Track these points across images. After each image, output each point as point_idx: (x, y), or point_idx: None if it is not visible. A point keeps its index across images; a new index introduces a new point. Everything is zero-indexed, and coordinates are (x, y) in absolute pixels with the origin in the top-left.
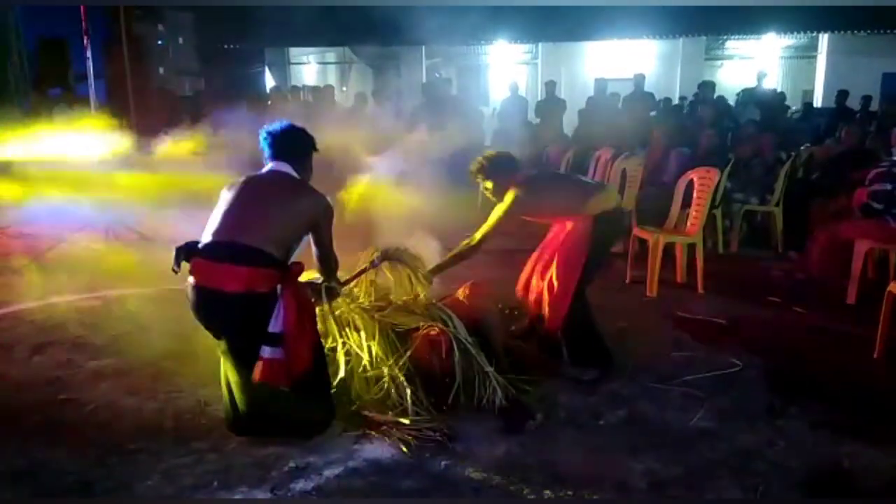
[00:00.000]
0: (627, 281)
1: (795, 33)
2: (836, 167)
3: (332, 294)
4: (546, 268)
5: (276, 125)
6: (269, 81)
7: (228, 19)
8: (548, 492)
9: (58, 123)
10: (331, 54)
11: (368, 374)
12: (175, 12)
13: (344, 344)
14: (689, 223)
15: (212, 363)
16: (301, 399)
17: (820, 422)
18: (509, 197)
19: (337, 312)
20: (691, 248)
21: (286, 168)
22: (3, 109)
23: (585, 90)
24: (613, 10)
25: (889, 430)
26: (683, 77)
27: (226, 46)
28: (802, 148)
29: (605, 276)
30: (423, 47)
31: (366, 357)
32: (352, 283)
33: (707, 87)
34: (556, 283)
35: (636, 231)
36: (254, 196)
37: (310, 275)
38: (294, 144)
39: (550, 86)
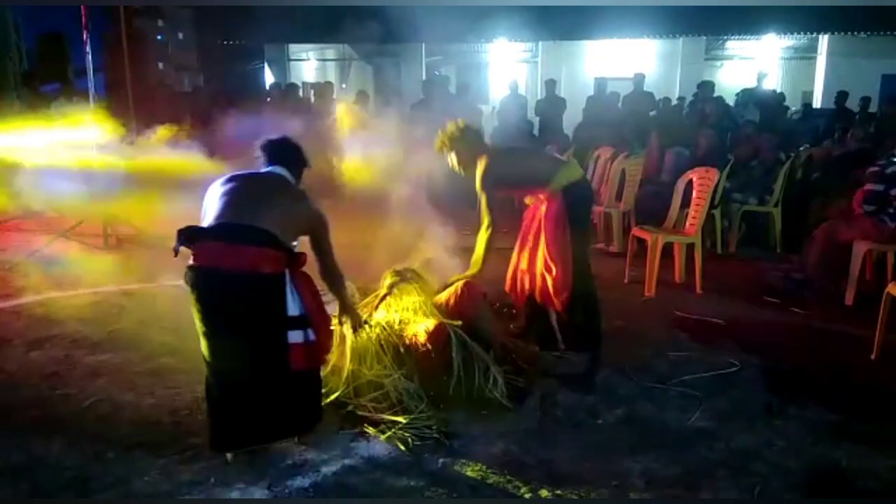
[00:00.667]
0: (626, 281)
1: (795, 34)
2: (836, 168)
3: (357, 320)
4: (533, 256)
5: (275, 136)
6: (269, 78)
7: (228, 15)
8: (545, 491)
9: (56, 118)
10: (330, 51)
11: (369, 376)
12: (175, 8)
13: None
14: (687, 223)
15: None
16: (294, 395)
17: (818, 422)
18: (480, 167)
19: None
20: (690, 248)
21: (284, 172)
22: (1, 104)
23: (585, 89)
24: (614, 10)
25: (887, 430)
26: (683, 77)
27: (225, 42)
28: (802, 149)
29: (604, 272)
30: (423, 45)
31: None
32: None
33: (707, 87)
34: (552, 265)
35: (635, 231)
36: (255, 185)
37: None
38: (291, 155)
39: (550, 84)
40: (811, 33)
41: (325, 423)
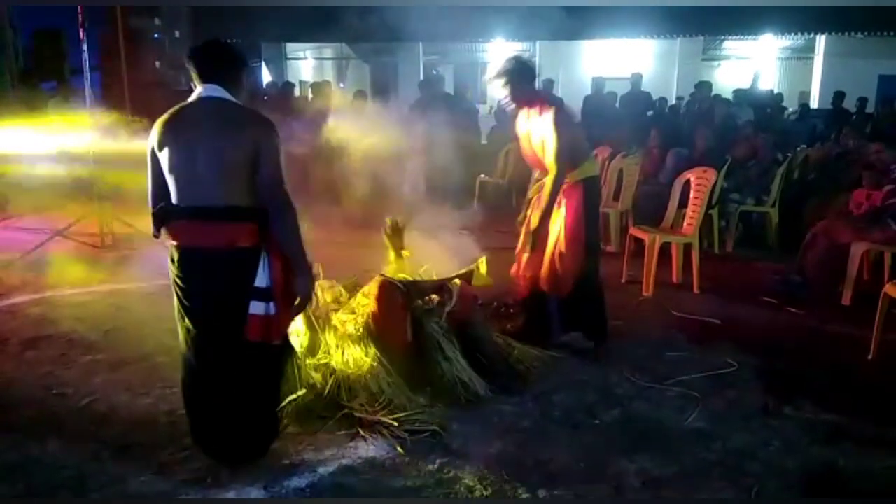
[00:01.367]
0: (623, 280)
1: (792, 34)
2: (833, 169)
3: (309, 287)
4: (543, 242)
5: (200, 43)
6: (266, 76)
7: (225, 14)
8: (542, 491)
9: (53, 116)
10: (328, 50)
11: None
12: (172, 6)
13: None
14: (685, 223)
15: None
16: (252, 376)
17: (815, 422)
18: (551, 114)
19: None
20: (687, 248)
21: (218, 92)
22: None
23: (583, 89)
24: (611, 10)
25: (884, 430)
26: (680, 77)
27: (222, 41)
28: (799, 149)
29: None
30: (421, 44)
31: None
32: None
33: (704, 87)
34: (566, 252)
35: (633, 230)
36: (197, 147)
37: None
38: (221, 62)
39: (548, 84)
40: (808, 34)
41: (322, 422)
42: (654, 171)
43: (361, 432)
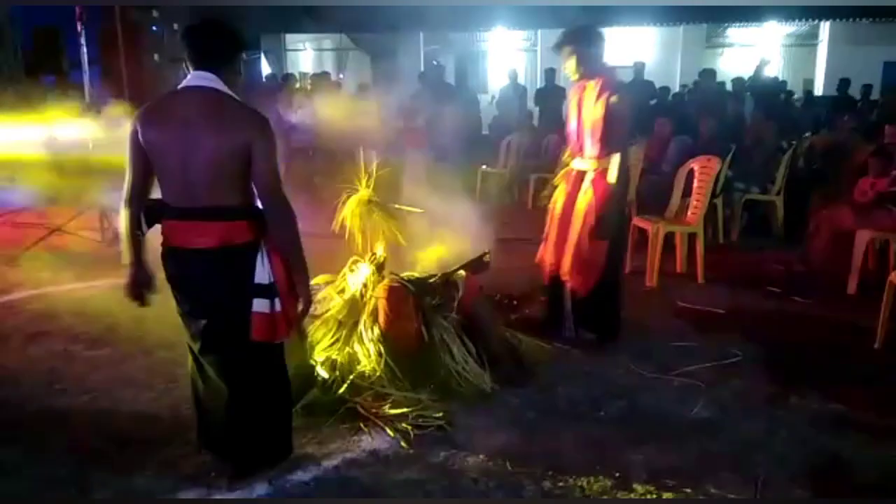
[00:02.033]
0: (627, 271)
1: (796, 21)
2: (838, 156)
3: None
4: (564, 231)
5: (197, 24)
6: (265, 68)
7: (224, 5)
8: (547, 482)
9: (51, 110)
10: (327, 41)
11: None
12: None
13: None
14: (689, 212)
15: None
16: (257, 376)
17: (820, 412)
18: (620, 100)
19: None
20: (691, 237)
21: (208, 81)
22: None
23: None
24: None
25: (890, 420)
26: (684, 65)
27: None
28: (804, 136)
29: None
30: (422, 34)
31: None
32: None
33: (708, 74)
34: (588, 241)
35: (636, 220)
36: (184, 144)
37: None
38: (216, 46)
39: (550, 73)
40: (812, 20)
41: (327, 417)
42: (658, 159)
43: (365, 427)
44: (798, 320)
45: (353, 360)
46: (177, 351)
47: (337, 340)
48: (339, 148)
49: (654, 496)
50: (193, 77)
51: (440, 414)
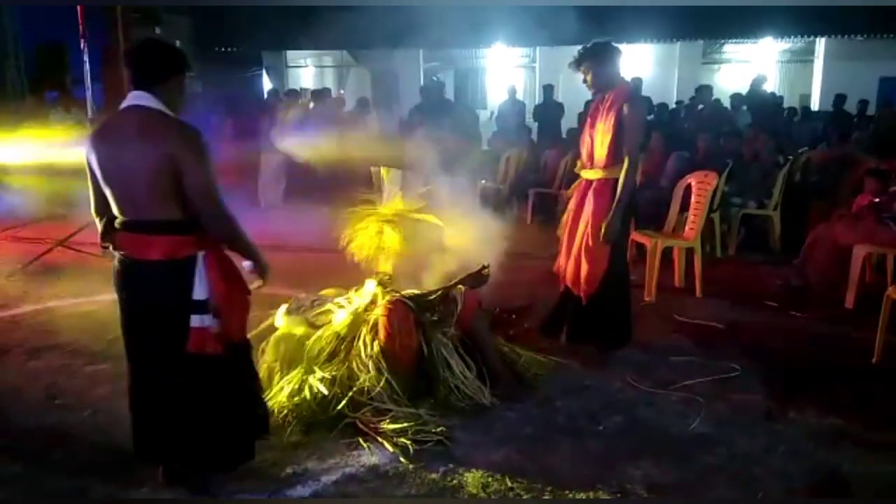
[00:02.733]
0: None
1: (793, 37)
2: (835, 171)
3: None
4: (571, 240)
5: (136, 45)
6: (267, 84)
7: (226, 22)
8: (546, 497)
9: (55, 127)
10: (328, 58)
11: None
12: (172, 16)
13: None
14: (686, 227)
15: None
16: (199, 387)
17: (819, 426)
18: (631, 110)
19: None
20: (689, 252)
21: (144, 100)
22: (1, 113)
23: (583, 94)
24: (611, 14)
25: (888, 434)
26: (680, 81)
27: (223, 50)
28: (800, 152)
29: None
30: (421, 51)
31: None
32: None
33: (704, 90)
34: (589, 250)
35: (634, 235)
36: (119, 162)
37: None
38: (154, 66)
39: (548, 89)
40: (808, 36)
41: (325, 431)
42: (656, 174)
43: (365, 442)
44: (796, 335)
45: (352, 376)
46: None
47: (336, 355)
48: (342, 166)
49: None
50: (130, 97)
51: (439, 429)
